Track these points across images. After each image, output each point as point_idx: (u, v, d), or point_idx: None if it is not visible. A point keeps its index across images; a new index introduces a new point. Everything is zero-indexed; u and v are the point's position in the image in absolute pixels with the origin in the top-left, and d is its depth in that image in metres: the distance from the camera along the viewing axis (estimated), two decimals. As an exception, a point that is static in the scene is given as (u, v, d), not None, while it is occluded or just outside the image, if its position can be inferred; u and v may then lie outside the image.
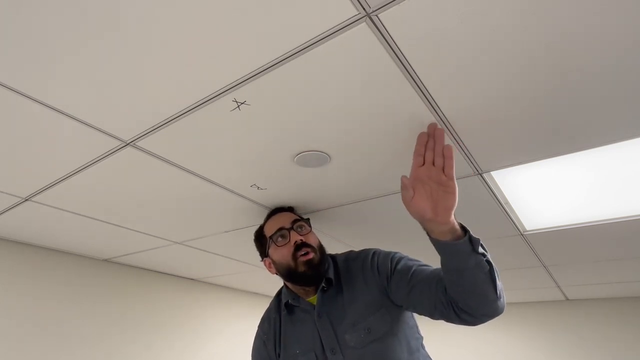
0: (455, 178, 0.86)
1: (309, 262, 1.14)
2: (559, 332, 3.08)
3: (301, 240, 1.18)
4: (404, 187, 0.91)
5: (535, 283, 2.59)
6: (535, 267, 2.20)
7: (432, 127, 0.92)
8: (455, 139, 1.05)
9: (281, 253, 1.19)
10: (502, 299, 0.91)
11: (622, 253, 1.88)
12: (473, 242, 0.85)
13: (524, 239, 1.75)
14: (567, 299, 3.10)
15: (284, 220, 1.26)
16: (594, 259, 2.00)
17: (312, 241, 1.21)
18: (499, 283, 0.90)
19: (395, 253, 1.18)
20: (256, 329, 1.35)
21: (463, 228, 0.88)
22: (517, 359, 3.15)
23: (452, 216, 0.85)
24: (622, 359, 2.78)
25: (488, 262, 0.87)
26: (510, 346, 3.21)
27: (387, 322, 1.09)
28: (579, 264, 2.11)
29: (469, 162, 1.16)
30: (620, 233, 1.62)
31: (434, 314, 1.01)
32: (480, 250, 0.87)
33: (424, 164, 0.90)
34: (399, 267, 1.11)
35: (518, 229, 1.64)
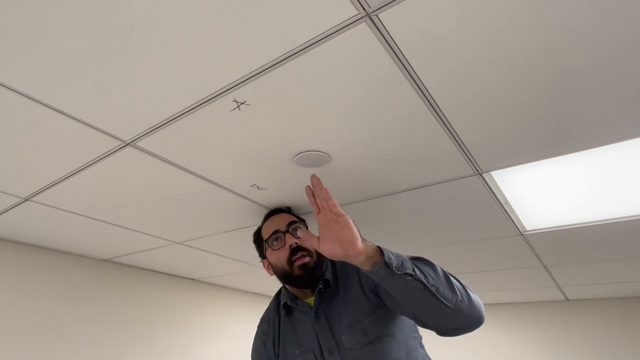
0: (344, 213, 0.88)
1: (304, 266, 1.14)
2: (559, 332, 3.08)
3: (296, 244, 1.18)
4: (309, 238, 0.94)
5: (535, 283, 2.59)
6: (535, 267, 2.20)
7: (312, 178, 0.93)
8: (455, 139, 1.05)
9: (277, 256, 1.20)
10: (466, 310, 0.90)
11: (622, 253, 1.88)
12: (389, 265, 0.86)
13: (524, 239, 1.75)
14: (567, 299, 3.09)
15: (280, 222, 1.25)
16: (594, 259, 1.99)
17: (308, 244, 1.20)
18: (451, 295, 0.89)
19: None
20: (256, 329, 1.35)
21: (383, 253, 0.88)
22: (517, 359, 3.15)
23: (361, 246, 0.86)
24: (622, 359, 2.78)
25: (418, 279, 0.87)
26: (510, 346, 3.21)
27: (383, 322, 1.09)
28: (579, 264, 2.11)
29: (469, 162, 1.16)
30: (620, 233, 1.62)
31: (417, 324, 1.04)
32: (405, 270, 0.87)
33: (320, 212, 0.92)
34: None
35: (518, 229, 1.64)
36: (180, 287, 2.75)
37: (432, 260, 0.97)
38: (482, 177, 1.24)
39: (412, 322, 1.18)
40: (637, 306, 2.85)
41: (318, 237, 0.92)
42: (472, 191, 1.33)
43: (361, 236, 0.88)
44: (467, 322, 0.93)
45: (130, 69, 0.81)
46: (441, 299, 0.88)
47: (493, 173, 1.22)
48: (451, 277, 0.94)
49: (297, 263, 1.15)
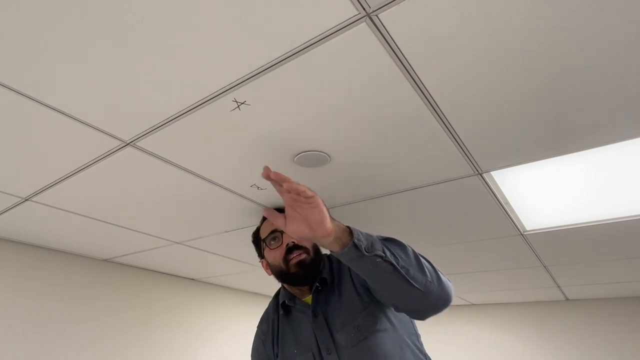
0: (313, 194, 0.81)
1: (300, 263, 1.14)
2: (559, 332, 3.08)
3: (293, 242, 1.17)
4: (275, 218, 0.87)
5: (535, 283, 2.59)
6: (535, 267, 2.20)
7: (268, 174, 0.80)
8: (455, 139, 1.05)
9: (274, 255, 1.20)
10: (435, 291, 0.90)
11: (622, 253, 1.88)
12: (358, 247, 0.83)
13: (524, 239, 1.75)
14: (567, 299, 3.10)
15: None
16: (594, 259, 2.00)
17: (304, 242, 1.20)
18: (421, 277, 0.89)
19: None
20: (255, 329, 1.36)
21: (352, 234, 0.85)
22: (517, 359, 3.15)
23: (330, 227, 0.81)
24: (622, 359, 2.78)
25: (388, 261, 0.85)
26: (510, 346, 3.21)
27: (375, 319, 1.08)
28: (579, 264, 2.11)
29: (469, 162, 1.16)
30: (620, 233, 1.62)
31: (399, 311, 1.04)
32: (375, 251, 0.84)
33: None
34: None
35: (518, 229, 1.64)
36: (180, 287, 2.75)
37: (402, 241, 0.94)
38: (482, 177, 1.24)
39: (408, 318, 1.16)
40: (637, 306, 2.85)
41: (284, 217, 0.85)
42: (472, 191, 1.33)
43: (331, 216, 0.83)
44: (436, 304, 0.93)
45: (130, 69, 0.81)
46: (411, 281, 0.87)
47: (493, 173, 1.22)
48: (421, 259, 0.93)
49: (293, 261, 1.15)
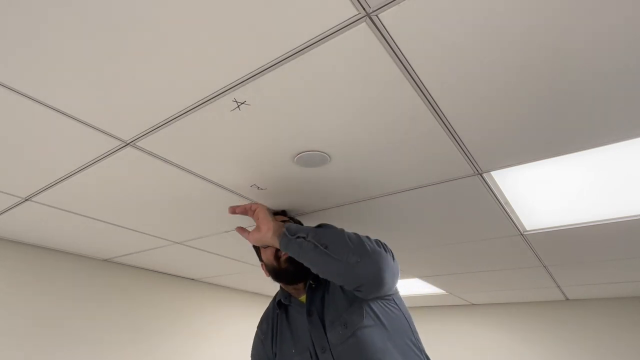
0: (256, 206, 1.21)
1: (290, 258, 1.15)
2: (559, 332, 3.08)
3: None
4: (244, 234, 1.24)
5: (535, 283, 2.59)
6: (535, 267, 2.20)
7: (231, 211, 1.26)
8: (455, 139, 1.05)
9: (267, 255, 1.23)
10: (359, 263, 0.96)
11: (622, 253, 1.88)
12: (286, 234, 1.07)
13: (524, 239, 1.75)
14: (567, 299, 3.10)
15: None
16: (594, 259, 2.00)
17: None
18: (341, 249, 0.97)
19: None
20: (255, 329, 1.36)
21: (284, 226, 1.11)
22: (517, 359, 3.15)
23: (270, 224, 1.13)
24: (622, 359, 2.78)
25: (309, 241, 1.00)
26: (510, 346, 3.21)
27: (361, 315, 1.08)
28: (579, 264, 2.11)
29: (469, 162, 1.16)
30: (620, 233, 1.62)
31: None
32: (298, 234, 1.05)
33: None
34: None
35: (518, 229, 1.64)
36: (180, 287, 2.76)
37: (336, 226, 1.11)
38: (482, 177, 1.24)
39: (401, 313, 1.15)
40: (637, 306, 2.85)
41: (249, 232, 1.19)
42: (472, 191, 1.33)
43: (282, 220, 1.19)
44: (365, 275, 0.98)
45: (130, 69, 0.81)
46: (331, 254, 0.96)
47: (493, 173, 1.22)
48: (347, 236, 1.03)
49: (284, 257, 1.19)
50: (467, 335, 3.40)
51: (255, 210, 1.19)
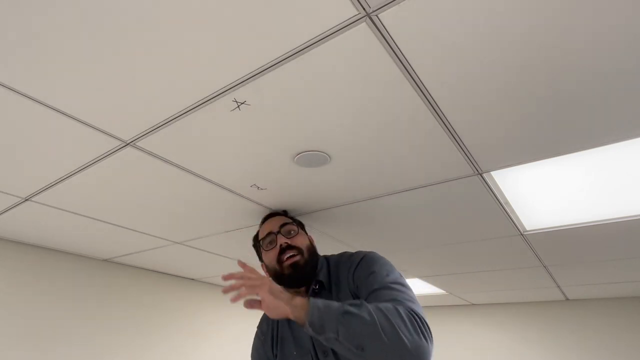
0: (259, 291, 0.91)
1: (294, 265, 1.14)
2: (559, 332, 3.08)
3: (286, 243, 1.18)
4: (250, 305, 0.95)
5: (535, 283, 2.59)
6: (535, 267, 2.20)
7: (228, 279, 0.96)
8: (455, 139, 1.05)
9: (269, 257, 1.21)
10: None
11: (622, 253, 1.88)
12: (312, 326, 0.84)
13: (524, 239, 1.75)
14: (567, 299, 3.10)
15: (273, 224, 1.27)
16: (594, 259, 2.00)
17: (298, 243, 1.20)
18: (379, 351, 0.80)
19: (379, 263, 1.09)
20: (255, 329, 1.35)
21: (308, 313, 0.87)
22: (517, 359, 3.15)
23: (285, 309, 0.87)
24: (622, 359, 2.78)
25: (342, 342, 0.82)
26: (510, 346, 3.21)
27: None
28: (579, 264, 2.11)
29: (469, 162, 1.16)
30: (620, 233, 1.62)
31: None
32: (326, 334, 0.83)
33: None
34: (366, 281, 1.05)
35: (518, 229, 1.64)
36: (180, 287, 2.75)
37: (366, 310, 0.84)
38: (482, 177, 1.24)
39: None
40: (637, 306, 2.85)
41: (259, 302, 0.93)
42: (472, 191, 1.33)
43: (291, 294, 0.92)
44: None
45: (130, 69, 0.81)
46: (368, 358, 0.82)
47: (493, 173, 1.22)
48: (381, 324, 0.82)
49: (287, 262, 1.15)
50: (467, 335, 3.40)
51: (260, 293, 0.92)
